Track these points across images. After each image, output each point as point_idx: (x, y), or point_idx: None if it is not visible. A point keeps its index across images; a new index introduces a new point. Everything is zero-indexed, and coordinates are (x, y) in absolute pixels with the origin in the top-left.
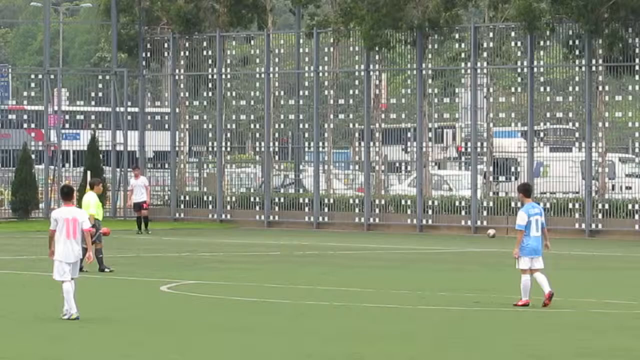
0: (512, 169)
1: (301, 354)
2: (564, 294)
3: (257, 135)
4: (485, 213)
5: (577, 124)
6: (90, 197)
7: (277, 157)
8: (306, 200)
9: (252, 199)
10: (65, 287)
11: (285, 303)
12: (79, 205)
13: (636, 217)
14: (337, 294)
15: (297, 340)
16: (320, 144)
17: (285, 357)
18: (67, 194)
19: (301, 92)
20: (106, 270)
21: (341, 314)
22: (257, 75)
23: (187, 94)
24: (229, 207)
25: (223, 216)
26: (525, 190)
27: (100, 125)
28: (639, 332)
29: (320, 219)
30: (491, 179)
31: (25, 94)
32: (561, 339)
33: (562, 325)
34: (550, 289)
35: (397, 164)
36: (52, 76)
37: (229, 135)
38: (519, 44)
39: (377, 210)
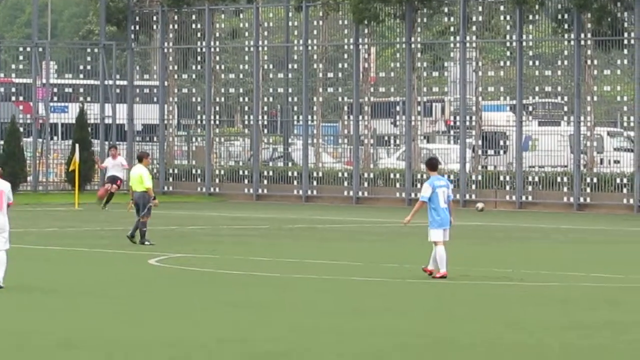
0: (501, 142)
1: (290, 327)
2: (553, 268)
3: (246, 108)
4: (474, 187)
5: (565, 98)
6: (142, 171)
7: (266, 131)
8: (295, 174)
9: (241, 173)
10: None
11: (274, 276)
12: (127, 178)
13: (624, 190)
14: (326, 268)
15: (286, 314)
16: (309, 117)
17: (273, 331)
18: None
19: (290, 66)
20: (146, 243)
21: (330, 287)
22: (246, 49)
23: (175, 67)
24: (217, 181)
25: (212, 189)
26: (431, 165)
27: (88, 98)
28: (628, 307)
29: (309, 192)
30: (480, 152)
31: (13, 66)
32: (550, 313)
33: (551, 299)
34: (445, 270)
35: (386, 138)
36: (40, 49)
37: (217, 108)
38: (508, 17)
39: (366, 184)
